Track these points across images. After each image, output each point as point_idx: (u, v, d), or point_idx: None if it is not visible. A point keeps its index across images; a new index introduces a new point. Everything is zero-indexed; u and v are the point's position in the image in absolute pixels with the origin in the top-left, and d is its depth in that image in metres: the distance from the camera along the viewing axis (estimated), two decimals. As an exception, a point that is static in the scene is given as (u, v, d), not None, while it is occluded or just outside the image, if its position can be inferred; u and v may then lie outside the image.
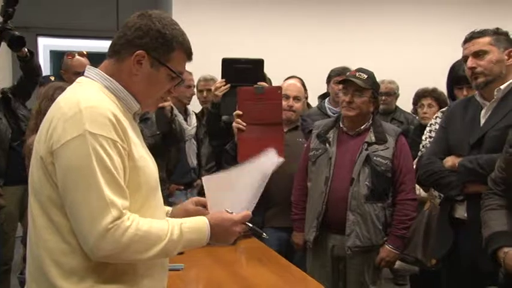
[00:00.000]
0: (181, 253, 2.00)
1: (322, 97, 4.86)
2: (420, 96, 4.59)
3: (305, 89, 4.78)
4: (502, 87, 2.78)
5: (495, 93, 2.79)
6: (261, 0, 6.52)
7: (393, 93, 5.34)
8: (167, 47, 1.73)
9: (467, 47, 2.86)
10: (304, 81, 4.15)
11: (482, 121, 2.83)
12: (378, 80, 4.85)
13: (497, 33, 2.84)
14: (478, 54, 2.81)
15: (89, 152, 1.56)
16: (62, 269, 1.63)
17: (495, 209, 2.42)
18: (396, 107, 5.41)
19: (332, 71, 4.74)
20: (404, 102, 5.34)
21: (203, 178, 2.13)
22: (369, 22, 6.82)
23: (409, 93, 5.02)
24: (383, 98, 5.19)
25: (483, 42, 2.82)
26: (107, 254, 1.59)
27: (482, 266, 2.52)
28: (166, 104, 3.58)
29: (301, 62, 5.87)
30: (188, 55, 1.81)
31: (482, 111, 2.85)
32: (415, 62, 6.40)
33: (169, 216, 2.00)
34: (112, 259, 1.63)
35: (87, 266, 1.63)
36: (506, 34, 2.85)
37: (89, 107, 1.60)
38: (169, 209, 2.08)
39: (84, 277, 1.64)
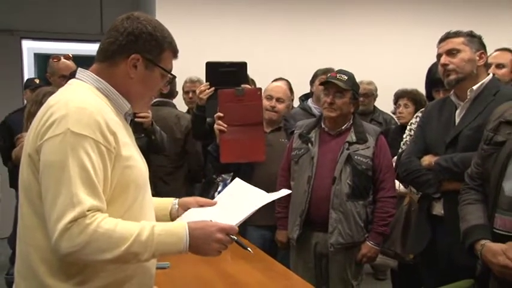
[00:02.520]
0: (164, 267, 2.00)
1: (304, 98, 4.90)
2: (398, 97, 4.65)
3: (291, 92, 4.86)
4: (474, 87, 2.84)
5: (468, 93, 2.85)
6: (243, 4, 6.51)
7: (371, 95, 5.34)
8: (159, 48, 1.77)
9: (442, 45, 2.93)
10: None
11: (457, 121, 2.88)
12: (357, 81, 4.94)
13: (470, 35, 2.91)
14: (451, 53, 2.87)
15: (66, 150, 1.56)
16: (50, 266, 1.64)
17: (472, 203, 2.44)
18: (375, 107, 5.42)
19: (318, 70, 4.76)
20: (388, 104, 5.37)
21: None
22: (350, 24, 6.83)
23: (390, 94, 5.05)
24: (361, 99, 5.20)
25: (457, 41, 2.88)
26: (66, 252, 1.56)
27: (459, 260, 2.56)
28: (145, 120, 3.61)
29: (283, 63, 5.88)
30: (175, 54, 1.85)
31: (457, 111, 2.90)
32: (396, 63, 6.43)
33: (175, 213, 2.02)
34: (74, 258, 1.59)
35: (74, 263, 1.63)
36: (479, 37, 2.92)
37: (76, 107, 1.61)
38: (174, 202, 2.06)
39: (73, 274, 1.65)
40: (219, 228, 1.75)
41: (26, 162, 1.68)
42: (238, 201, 2.04)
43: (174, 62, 1.91)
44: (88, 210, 1.56)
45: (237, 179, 2.26)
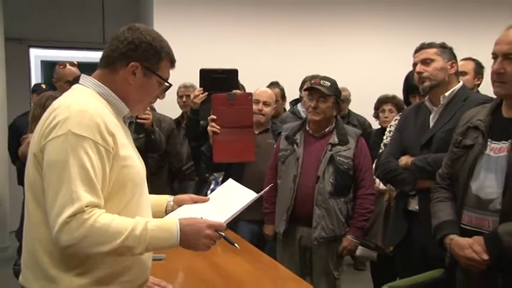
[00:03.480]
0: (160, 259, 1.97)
1: (294, 102, 4.90)
2: (382, 102, 4.66)
3: (284, 97, 4.87)
4: (446, 94, 2.88)
5: (441, 99, 2.89)
6: (236, 15, 6.51)
7: (346, 100, 5.30)
8: (157, 57, 1.78)
9: (417, 55, 2.97)
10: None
11: (431, 124, 2.92)
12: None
13: (443, 46, 2.96)
14: (426, 62, 2.91)
15: (68, 150, 1.58)
16: (53, 258, 1.65)
17: (442, 201, 2.45)
18: (349, 111, 5.44)
19: (306, 77, 4.78)
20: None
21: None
22: (338, 35, 6.86)
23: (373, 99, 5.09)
24: None
25: (431, 52, 2.93)
26: (65, 245, 1.58)
27: (431, 251, 2.57)
28: (146, 122, 3.63)
29: (274, 70, 5.86)
30: (172, 63, 1.86)
31: (431, 116, 2.94)
32: (376, 71, 6.45)
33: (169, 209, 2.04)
34: (73, 250, 1.60)
35: (76, 255, 1.64)
36: (450, 49, 2.97)
37: (78, 110, 1.62)
38: (170, 199, 2.08)
39: (74, 266, 1.66)
40: (208, 224, 1.76)
41: (31, 161, 1.69)
42: (228, 200, 2.04)
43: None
44: (86, 206, 1.58)
45: (230, 180, 2.26)
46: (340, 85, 3.45)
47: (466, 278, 2.35)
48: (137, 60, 1.75)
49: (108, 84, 1.77)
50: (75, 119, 1.61)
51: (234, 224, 3.36)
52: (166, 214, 2.03)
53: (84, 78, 1.81)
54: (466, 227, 2.30)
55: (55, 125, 1.62)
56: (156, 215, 1.96)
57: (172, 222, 1.74)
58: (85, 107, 1.65)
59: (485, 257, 2.14)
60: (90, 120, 1.62)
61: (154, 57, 1.78)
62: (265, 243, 3.61)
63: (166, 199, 2.09)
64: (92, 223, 1.57)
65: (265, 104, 3.79)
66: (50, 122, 1.64)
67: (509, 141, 2.20)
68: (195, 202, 2.07)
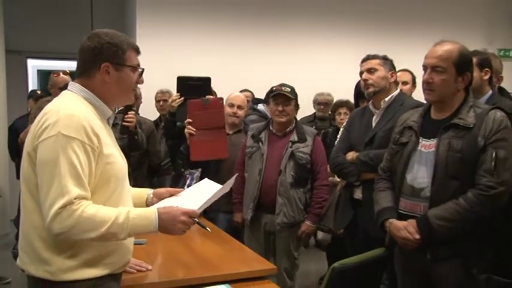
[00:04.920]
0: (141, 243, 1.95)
1: (256, 102, 4.89)
2: (338, 106, 4.68)
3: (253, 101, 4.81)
4: (386, 99, 2.96)
5: (382, 103, 2.96)
6: (212, 29, 6.49)
7: (330, 104, 5.27)
8: (121, 51, 1.78)
9: (363, 65, 3.03)
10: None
11: (374, 125, 2.98)
12: (316, 92, 5.11)
13: (385, 58, 3.03)
14: (370, 71, 2.98)
15: (58, 149, 1.59)
16: (46, 242, 1.67)
17: (383, 190, 2.51)
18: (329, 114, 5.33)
19: (272, 87, 4.79)
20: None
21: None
22: (298, 46, 6.87)
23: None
24: (321, 107, 5.24)
25: (375, 62, 2.99)
26: (57, 232, 1.59)
27: (373, 233, 2.63)
28: (130, 124, 3.61)
29: (242, 78, 5.84)
30: (137, 50, 1.84)
31: (374, 117, 3.01)
32: (334, 77, 6.42)
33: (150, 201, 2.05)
34: (64, 237, 1.62)
35: (66, 241, 1.65)
36: (391, 60, 3.05)
37: (66, 114, 1.64)
38: (149, 192, 2.09)
39: (64, 249, 1.67)
40: (183, 212, 1.79)
41: (25, 159, 1.70)
42: (201, 193, 2.05)
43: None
44: (75, 198, 1.60)
45: (205, 179, 2.26)
46: (299, 91, 3.47)
47: (402, 254, 2.43)
48: (106, 60, 1.75)
49: (90, 88, 1.77)
50: (64, 122, 1.62)
51: (214, 215, 3.41)
52: (147, 205, 2.04)
53: (72, 85, 1.81)
54: (402, 212, 2.37)
55: (46, 127, 1.63)
56: (138, 205, 1.96)
57: (151, 210, 1.76)
58: (72, 111, 1.66)
59: (417, 236, 2.23)
60: (77, 123, 1.63)
61: (118, 52, 1.77)
62: (240, 231, 3.59)
63: (146, 192, 2.11)
64: (80, 213, 1.59)
65: (239, 107, 3.77)
66: (42, 125, 1.65)
67: (436, 138, 2.28)
68: (172, 194, 2.08)
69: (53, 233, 1.61)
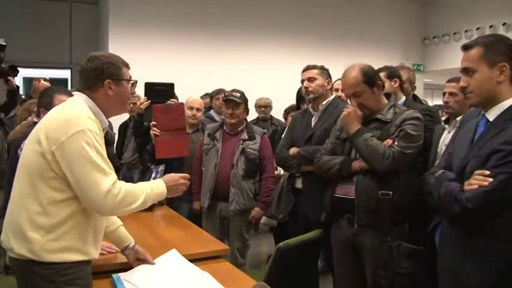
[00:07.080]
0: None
1: (207, 109, 4.79)
2: (290, 110, 4.59)
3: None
4: (323, 103, 2.97)
5: (320, 107, 2.97)
6: (173, 42, 6.50)
7: (269, 106, 5.29)
8: (118, 68, 1.81)
9: (304, 74, 3.03)
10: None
11: (313, 125, 2.99)
12: (257, 97, 4.95)
13: (322, 68, 3.04)
14: (311, 79, 2.97)
15: (83, 143, 1.61)
16: (34, 224, 1.63)
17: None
18: (271, 115, 5.34)
19: (213, 91, 4.79)
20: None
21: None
22: (249, 56, 6.91)
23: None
24: (263, 109, 5.21)
25: (314, 72, 2.99)
26: (111, 208, 1.64)
27: (311, 218, 2.68)
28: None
29: (201, 83, 5.70)
30: (127, 66, 1.88)
31: (313, 118, 3.01)
32: (280, 83, 6.34)
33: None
34: (115, 212, 1.72)
35: (51, 224, 1.63)
36: (327, 70, 3.05)
37: (84, 117, 1.66)
38: (133, 243, 2.08)
39: (49, 231, 1.63)
40: (180, 176, 1.90)
41: (31, 149, 1.67)
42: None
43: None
44: (114, 178, 1.66)
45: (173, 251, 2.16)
46: (248, 95, 3.44)
47: (337, 229, 2.48)
48: (107, 77, 1.78)
49: (94, 100, 1.78)
50: (82, 118, 1.65)
51: (177, 205, 3.36)
52: (122, 251, 2.07)
53: (78, 95, 1.79)
54: (338, 195, 2.40)
55: (70, 129, 1.63)
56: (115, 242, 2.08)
57: (160, 181, 1.86)
58: (87, 115, 1.69)
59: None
60: (90, 119, 1.68)
61: (116, 70, 1.80)
62: (199, 217, 3.51)
63: (130, 240, 2.09)
64: (124, 190, 1.67)
65: (197, 109, 3.74)
66: (65, 127, 1.64)
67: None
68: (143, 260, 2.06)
69: (106, 210, 1.65)
